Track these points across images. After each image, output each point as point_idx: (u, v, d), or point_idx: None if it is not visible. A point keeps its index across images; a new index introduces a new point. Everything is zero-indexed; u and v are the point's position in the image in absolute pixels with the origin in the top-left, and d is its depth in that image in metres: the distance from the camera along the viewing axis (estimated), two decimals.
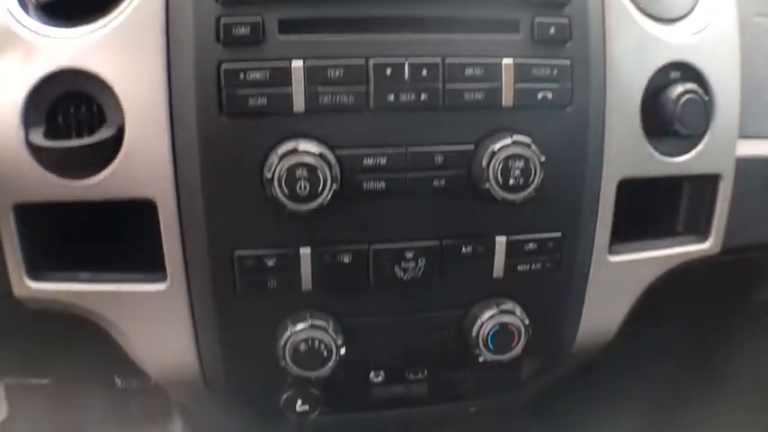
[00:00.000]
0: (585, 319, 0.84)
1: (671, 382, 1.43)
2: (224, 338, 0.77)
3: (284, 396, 0.82)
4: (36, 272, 0.75)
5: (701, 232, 0.86)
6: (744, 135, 0.85)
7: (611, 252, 0.82)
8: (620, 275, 0.83)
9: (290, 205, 0.67)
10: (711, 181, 0.84)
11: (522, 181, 0.69)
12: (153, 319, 0.76)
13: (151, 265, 0.75)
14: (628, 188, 0.80)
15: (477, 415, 1.01)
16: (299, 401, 0.82)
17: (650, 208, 0.88)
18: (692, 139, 0.81)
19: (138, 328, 0.77)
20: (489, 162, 0.69)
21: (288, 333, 0.73)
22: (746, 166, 0.86)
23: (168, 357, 0.79)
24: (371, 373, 0.86)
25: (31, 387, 1.29)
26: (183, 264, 0.73)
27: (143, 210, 0.72)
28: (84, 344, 1.03)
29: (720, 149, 0.83)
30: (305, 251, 0.72)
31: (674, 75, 0.80)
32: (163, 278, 0.74)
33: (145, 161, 0.70)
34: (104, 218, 0.79)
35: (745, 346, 1.31)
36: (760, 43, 0.89)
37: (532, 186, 0.70)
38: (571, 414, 1.38)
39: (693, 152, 0.82)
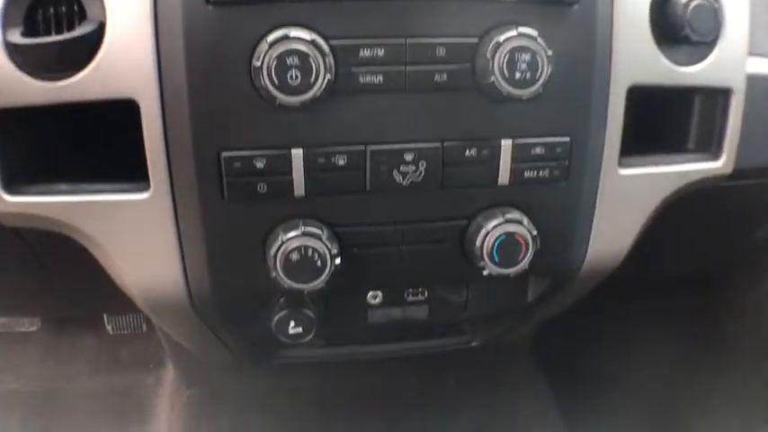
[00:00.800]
0: (595, 236, 0.80)
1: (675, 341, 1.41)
2: (211, 251, 0.72)
3: (276, 318, 0.78)
4: (13, 185, 0.70)
5: (713, 151, 0.83)
6: (755, 53, 0.83)
7: (621, 165, 0.78)
8: (630, 190, 0.79)
9: (281, 97, 0.63)
10: (723, 95, 0.81)
11: (528, 75, 0.66)
12: (135, 233, 0.72)
13: (134, 176, 0.70)
14: (639, 102, 0.77)
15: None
16: (292, 323, 0.78)
17: (662, 126, 0.85)
18: (703, 48, 0.78)
19: (121, 244, 0.73)
20: (494, 54, 0.65)
21: (279, 242, 0.69)
22: (758, 84, 0.83)
23: (152, 276, 0.75)
24: (369, 294, 0.83)
25: (20, 335, 1.26)
26: (166, 169, 0.69)
27: (124, 121, 0.67)
28: (73, 286, 1.00)
29: (731, 62, 0.80)
30: (297, 152, 0.68)
31: None
32: (145, 187, 0.70)
33: (126, 58, 0.66)
34: (84, 132, 0.75)
35: (749, 288, 1.28)
36: None
37: (540, 82, 0.67)
38: (582, 400, 1.36)
39: (704, 62, 0.79)
